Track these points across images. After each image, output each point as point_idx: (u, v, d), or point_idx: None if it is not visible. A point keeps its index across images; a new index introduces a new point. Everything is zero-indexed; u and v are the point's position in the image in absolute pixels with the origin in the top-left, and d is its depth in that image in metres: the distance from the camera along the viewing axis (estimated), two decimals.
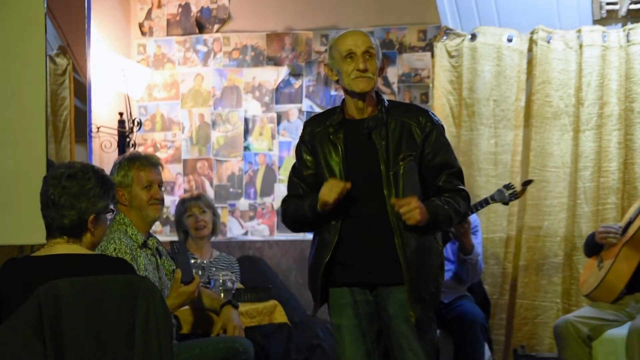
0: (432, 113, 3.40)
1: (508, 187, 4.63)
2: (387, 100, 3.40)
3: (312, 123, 3.47)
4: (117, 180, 3.73)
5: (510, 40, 5.51)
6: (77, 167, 2.78)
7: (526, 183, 4.83)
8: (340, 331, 3.35)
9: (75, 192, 2.74)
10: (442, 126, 3.42)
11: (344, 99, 3.45)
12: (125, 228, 3.70)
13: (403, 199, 3.20)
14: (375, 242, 3.28)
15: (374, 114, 3.35)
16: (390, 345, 3.33)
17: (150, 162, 3.79)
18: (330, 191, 3.22)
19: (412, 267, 3.23)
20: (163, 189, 3.87)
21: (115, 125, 5.66)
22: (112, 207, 2.86)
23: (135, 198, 3.73)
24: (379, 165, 3.28)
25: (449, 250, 4.80)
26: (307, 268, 3.45)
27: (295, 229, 3.53)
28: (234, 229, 5.93)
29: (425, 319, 3.28)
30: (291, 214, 3.44)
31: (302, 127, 3.51)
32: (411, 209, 3.17)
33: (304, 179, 3.44)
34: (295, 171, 3.48)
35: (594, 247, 4.73)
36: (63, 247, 2.76)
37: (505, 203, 4.67)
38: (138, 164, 3.76)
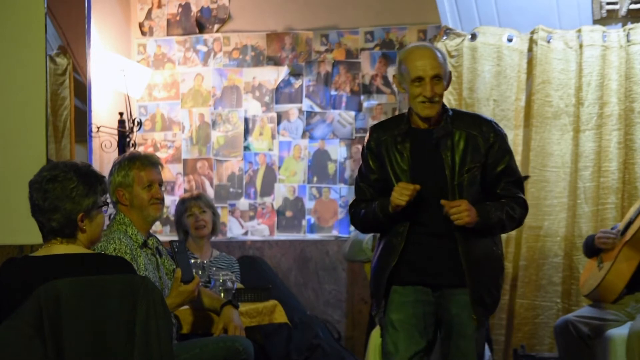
0: (495, 123, 3.52)
1: None
2: (451, 110, 3.50)
3: (378, 130, 3.55)
4: (117, 181, 3.73)
5: (510, 40, 5.51)
6: (59, 169, 2.76)
7: (523, 179, 4.81)
8: (396, 327, 3.43)
9: (58, 194, 2.72)
10: (505, 135, 3.54)
11: (410, 108, 3.52)
12: (125, 228, 3.69)
13: (453, 201, 3.32)
14: (440, 248, 3.41)
15: (439, 124, 3.45)
16: (448, 344, 3.45)
17: (151, 162, 3.78)
18: (401, 195, 3.31)
19: (474, 273, 3.37)
20: (163, 188, 3.87)
21: (116, 125, 5.66)
22: (104, 200, 2.84)
23: (136, 198, 3.72)
24: (445, 174, 3.39)
25: None
26: (372, 270, 3.55)
27: (365, 230, 3.72)
28: (234, 229, 5.93)
29: (483, 322, 3.43)
30: (361, 217, 3.54)
31: (368, 133, 3.58)
32: (460, 210, 3.29)
33: (371, 184, 3.53)
34: (362, 176, 3.58)
35: (593, 250, 4.73)
36: (62, 247, 2.75)
37: None
38: (138, 164, 3.75)
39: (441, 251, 3.40)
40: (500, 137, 3.48)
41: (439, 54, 3.43)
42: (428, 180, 3.38)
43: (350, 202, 3.65)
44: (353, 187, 3.73)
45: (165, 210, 5.95)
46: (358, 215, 3.55)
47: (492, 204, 3.41)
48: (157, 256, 3.81)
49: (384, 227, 3.48)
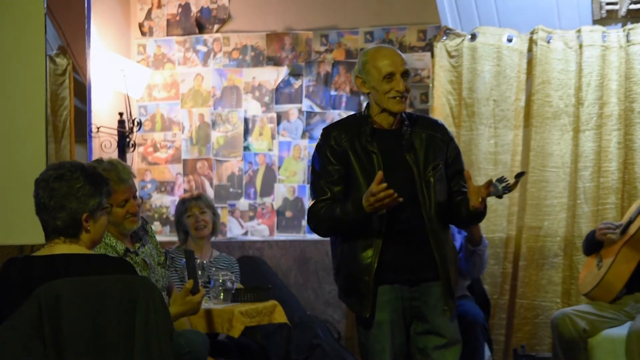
0: (445, 125, 3.69)
1: (501, 180, 4.60)
2: (404, 113, 3.59)
3: (337, 130, 3.58)
4: None
5: (510, 40, 5.51)
6: (65, 168, 2.76)
7: (519, 175, 4.79)
8: (381, 327, 3.52)
9: (64, 193, 2.72)
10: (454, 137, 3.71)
11: (367, 106, 3.61)
12: (103, 239, 3.62)
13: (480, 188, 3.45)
14: (414, 243, 3.50)
15: (398, 125, 3.56)
16: (425, 338, 3.55)
17: (122, 179, 3.64)
18: (379, 202, 3.31)
19: (445, 265, 3.50)
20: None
21: (115, 125, 5.66)
22: (108, 202, 2.84)
23: (111, 215, 3.60)
24: (413, 173, 3.49)
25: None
26: (348, 270, 3.54)
27: (328, 232, 3.60)
28: (234, 229, 5.93)
29: (455, 311, 3.57)
30: (328, 218, 3.49)
31: (322, 134, 3.59)
32: (484, 196, 3.45)
33: (335, 182, 3.51)
34: (322, 175, 3.54)
35: (594, 244, 4.73)
36: (63, 247, 2.75)
37: (499, 196, 4.65)
38: (111, 183, 3.62)
39: (415, 247, 3.49)
40: (452, 138, 3.65)
41: (403, 55, 3.57)
42: (398, 179, 3.44)
43: (309, 203, 3.61)
44: None
45: (165, 210, 5.96)
46: (323, 216, 3.50)
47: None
48: (142, 249, 3.76)
49: (354, 228, 3.48)
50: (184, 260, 4.60)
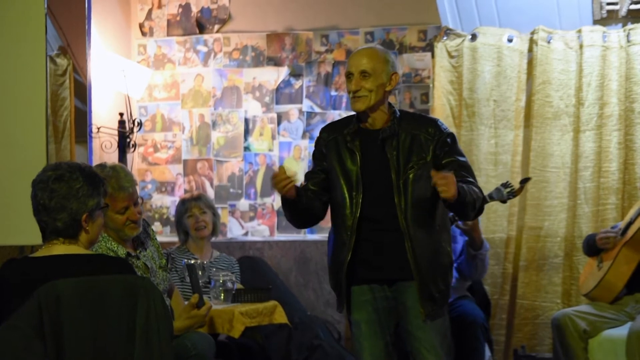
0: (440, 122, 3.61)
1: (506, 185, 4.63)
2: (399, 111, 3.61)
3: (327, 130, 3.69)
4: None
5: (510, 41, 5.51)
6: (63, 169, 2.76)
7: (524, 181, 4.81)
8: (359, 326, 3.56)
9: (64, 193, 2.72)
10: (452, 134, 3.60)
11: None
12: (104, 244, 3.64)
13: (443, 173, 3.33)
14: (389, 243, 3.50)
15: (387, 124, 3.55)
16: (407, 336, 3.55)
17: (122, 186, 3.64)
18: (278, 185, 3.46)
19: (421, 268, 3.47)
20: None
21: (116, 125, 5.66)
22: (105, 202, 2.84)
23: (111, 221, 3.61)
24: (390, 173, 3.49)
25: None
26: (328, 268, 3.68)
27: (294, 221, 3.69)
28: (234, 230, 5.92)
29: (436, 314, 3.51)
30: (284, 211, 3.66)
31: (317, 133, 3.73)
32: (448, 182, 3.30)
33: (311, 178, 3.64)
34: (308, 172, 3.71)
35: (595, 250, 4.74)
36: (62, 247, 2.75)
37: (504, 201, 4.67)
38: (111, 190, 3.57)
39: (391, 247, 3.49)
40: (445, 134, 3.55)
41: (379, 54, 3.54)
42: (376, 178, 3.51)
43: None
44: None
45: (165, 210, 5.96)
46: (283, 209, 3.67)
47: (466, 187, 3.44)
48: (143, 252, 3.77)
49: (297, 212, 3.59)
50: (184, 261, 4.60)
